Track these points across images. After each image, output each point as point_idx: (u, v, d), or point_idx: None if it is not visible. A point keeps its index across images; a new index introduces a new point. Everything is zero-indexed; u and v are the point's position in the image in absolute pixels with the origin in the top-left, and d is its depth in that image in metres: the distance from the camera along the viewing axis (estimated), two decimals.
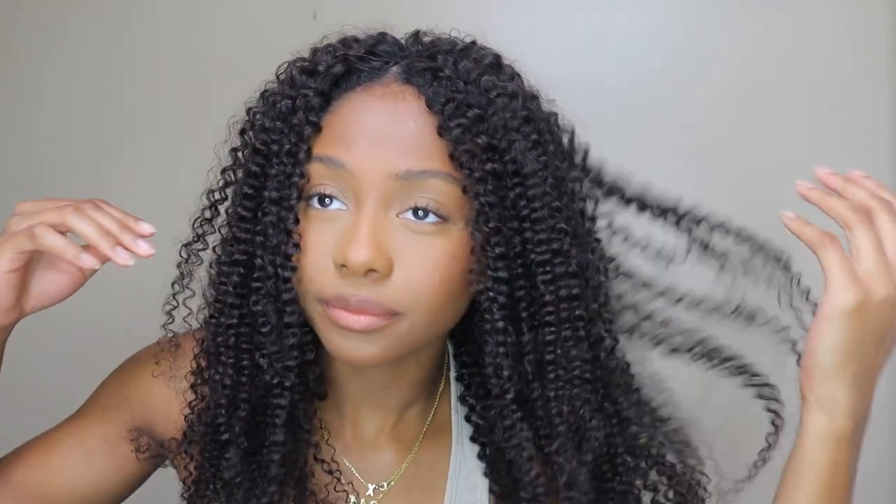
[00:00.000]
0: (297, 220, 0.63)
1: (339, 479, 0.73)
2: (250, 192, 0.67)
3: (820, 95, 1.43)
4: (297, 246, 0.63)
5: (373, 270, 0.61)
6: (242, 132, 0.70)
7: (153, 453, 0.77)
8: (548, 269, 0.64)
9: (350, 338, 0.63)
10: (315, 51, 0.68)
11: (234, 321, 0.68)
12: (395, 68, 0.65)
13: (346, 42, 0.68)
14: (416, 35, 0.70)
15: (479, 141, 0.61)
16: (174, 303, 0.74)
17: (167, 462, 0.80)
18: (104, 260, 0.66)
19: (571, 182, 0.70)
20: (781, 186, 1.46)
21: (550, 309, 0.64)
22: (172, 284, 0.74)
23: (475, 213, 0.62)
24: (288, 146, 0.64)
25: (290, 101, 0.65)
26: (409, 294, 0.62)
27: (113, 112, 1.58)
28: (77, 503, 0.77)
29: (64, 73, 1.63)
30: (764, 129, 1.45)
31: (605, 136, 1.49)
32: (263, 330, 0.66)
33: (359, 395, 0.75)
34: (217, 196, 0.72)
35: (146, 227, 0.66)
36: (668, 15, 1.47)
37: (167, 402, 0.75)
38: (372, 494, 0.75)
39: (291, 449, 0.70)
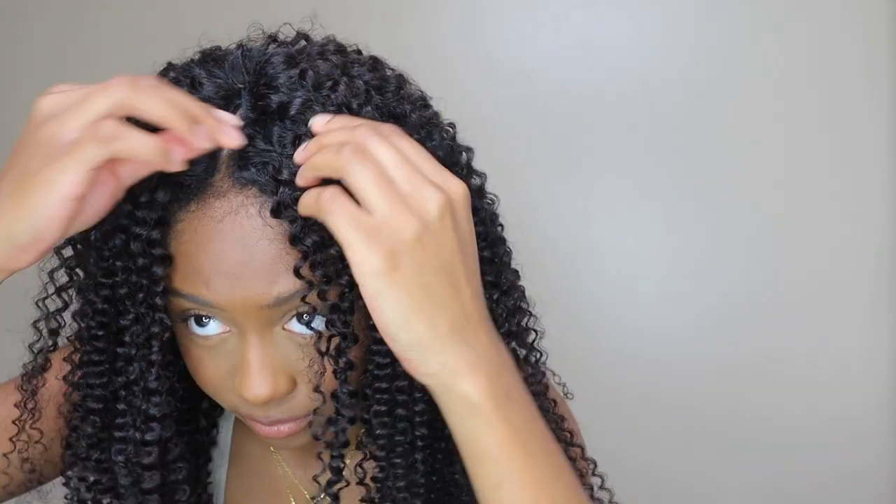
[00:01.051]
0: (158, 377, 0.58)
1: (286, 492, 0.73)
2: (101, 333, 0.59)
3: (820, 96, 1.43)
4: (162, 382, 0.59)
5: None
6: (72, 259, 0.60)
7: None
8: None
9: (274, 439, 0.62)
10: None
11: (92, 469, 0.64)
12: (224, 161, 0.54)
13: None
14: (257, 74, 0.56)
15: (333, 252, 0.53)
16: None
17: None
18: (193, 154, 0.52)
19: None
20: (781, 186, 1.47)
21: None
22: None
23: (341, 316, 0.55)
24: (141, 295, 0.56)
25: (122, 237, 0.55)
26: (318, 397, 0.58)
27: None
28: None
29: (61, 75, 1.63)
30: (765, 129, 1.45)
31: (605, 136, 1.50)
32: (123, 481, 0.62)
33: None
34: (54, 323, 0.63)
35: (231, 118, 0.52)
36: (669, 15, 1.46)
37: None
38: None
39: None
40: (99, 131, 0.48)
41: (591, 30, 1.48)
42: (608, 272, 1.54)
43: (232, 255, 0.53)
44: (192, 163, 0.52)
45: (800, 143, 1.44)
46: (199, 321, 0.58)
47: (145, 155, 0.48)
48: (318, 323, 0.57)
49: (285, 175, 0.52)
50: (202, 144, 0.50)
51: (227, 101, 0.55)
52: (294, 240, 0.52)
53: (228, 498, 0.75)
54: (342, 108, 0.55)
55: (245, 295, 0.54)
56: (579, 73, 1.49)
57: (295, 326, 0.57)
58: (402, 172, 0.50)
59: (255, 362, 0.56)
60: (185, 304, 0.56)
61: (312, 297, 0.54)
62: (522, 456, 0.52)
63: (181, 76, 0.57)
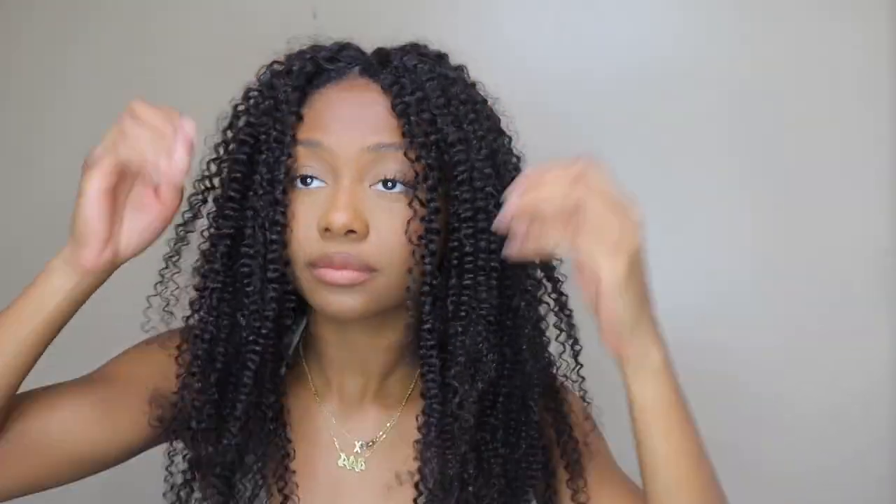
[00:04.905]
0: (285, 192, 0.74)
1: (332, 439, 0.85)
2: (238, 176, 0.76)
3: (821, 96, 1.43)
4: (284, 214, 0.74)
5: (352, 231, 0.71)
6: (229, 126, 0.79)
7: (158, 422, 0.81)
8: (470, 223, 0.75)
9: (335, 292, 0.73)
10: (289, 56, 0.80)
11: (219, 285, 0.77)
12: (356, 68, 0.78)
13: (315, 48, 0.80)
14: (379, 50, 0.82)
15: (424, 117, 0.74)
16: (165, 277, 0.82)
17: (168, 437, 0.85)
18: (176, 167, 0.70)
19: (504, 155, 0.80)
20: (781, 185, 1.47)
21: (470, 258, 0.75)
22: (164, 258, 0.82)
23: (420, 176, 0.73)
24: (275, 134, 0.75)
25: (272, 100, 0.76)
26: (383, 251, 0.73)
27: (108, 113, 1.57)
28: (68, 460, 0.79)
29: (65, 74, 1.63)
30: (765, 128, 1.45)
31: (606, 135, 1.50)
32: (248, 289, 0.76)
33: (343, 361, 0.85)
34: (207, 184, 0.80)
35: (188, 125, 0.70)
36: (669, 14, 1.47)
37: (171, 369, 0.82)
38: (359, 452, 0.85)
39: (259, 404, 0.80)
40: (116, 144, 0.72)
41: (594, 30, 1.49)
42: None
43: (349, 109, 0.75)
44: (332, 61, 0.78)
45: (800, 143, 1.44)
46: (305, 181, 0.75)
47: (140, 161, 0.70)
48: (399, 189, 0.73)
49: (396, 65, 0.77)
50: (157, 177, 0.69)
51: (347, 63, 0.78)
52: (393, 109, 0.74)
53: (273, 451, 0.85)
54: (438, 77, 0.77)
55: (353, 138, 0.73)
56: (579, 73, 1.49)
57: (379, 186, 0.74)
58: (616, 194, 0.68)
59: (344, 199, 0.72)
60: (301, 153, 0.74)
61: (402, 158, 0.73)
62: (682, 409, 0.75)
63: (310, 48, 0.80)
